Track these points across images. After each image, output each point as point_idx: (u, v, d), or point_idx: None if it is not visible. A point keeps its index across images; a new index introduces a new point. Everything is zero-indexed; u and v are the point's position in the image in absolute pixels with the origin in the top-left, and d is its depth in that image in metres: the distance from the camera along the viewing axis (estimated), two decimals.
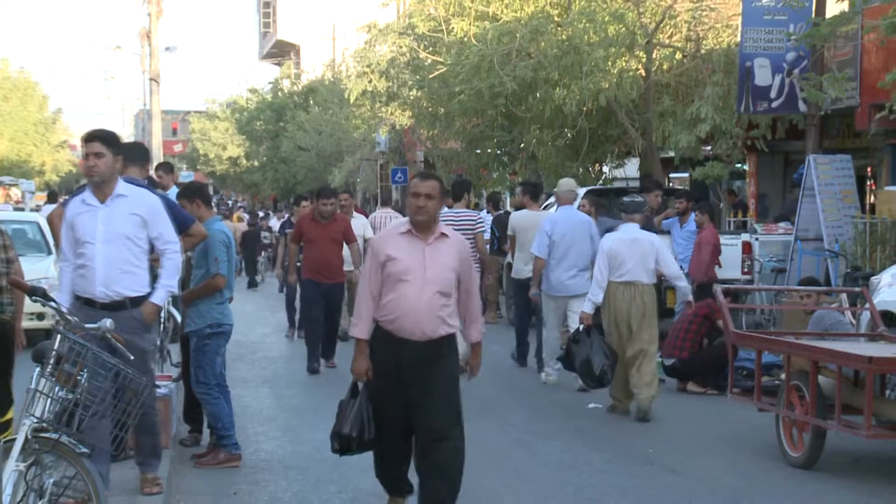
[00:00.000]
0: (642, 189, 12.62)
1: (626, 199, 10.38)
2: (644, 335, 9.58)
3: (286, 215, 22.68)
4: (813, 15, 13.87)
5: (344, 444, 6.12)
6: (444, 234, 6.04)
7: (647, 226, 11.74)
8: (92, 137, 6.39)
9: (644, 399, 9.45)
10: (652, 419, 9.46)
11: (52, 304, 5.48)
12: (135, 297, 6.29)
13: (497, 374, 11.64)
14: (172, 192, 12.54)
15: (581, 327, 9.68)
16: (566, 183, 11.54)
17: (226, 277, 7.74)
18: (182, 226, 7.51)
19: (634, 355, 9.55)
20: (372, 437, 6.02)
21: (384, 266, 5.91)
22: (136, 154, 7.79)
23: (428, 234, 5.97)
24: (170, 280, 6.51)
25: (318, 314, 12.16)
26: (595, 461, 8.06)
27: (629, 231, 9.81)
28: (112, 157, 6.30)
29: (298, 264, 13.32)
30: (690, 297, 10.51)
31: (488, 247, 15.02)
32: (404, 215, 12.59)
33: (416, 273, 5.88)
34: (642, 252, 9.64)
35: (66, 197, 15.76)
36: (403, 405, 5.98)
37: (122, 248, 6.28)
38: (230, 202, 51.38)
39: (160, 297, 6.43)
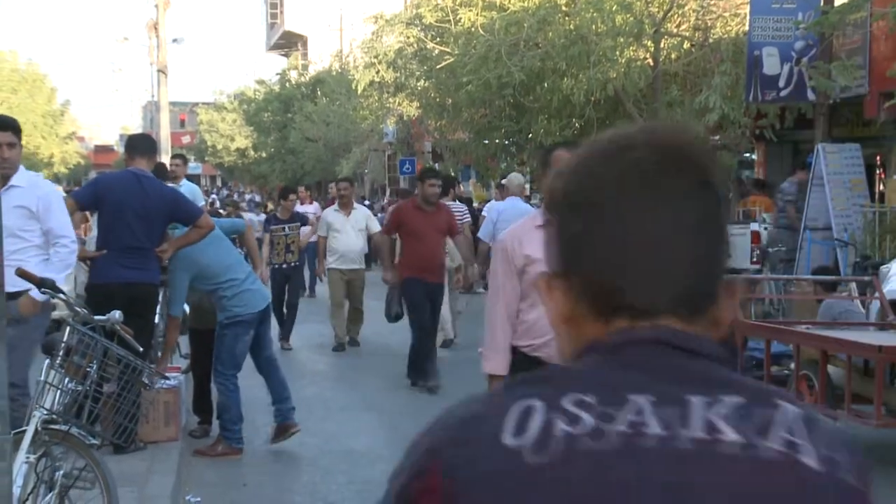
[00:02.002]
0: None
1: None
2: None
3: (267, 213, 21.34)
4: (821, 3, 13.81)
5: None
6: None
7: None
8: (5, 126, 6.07)
9: None
10: None
11: (62, 295, 5.49)
12: (13, 293, 5.63)
13: None
14: (185, 185, 12.67)
15: None
16: (515, 177, 13.47)
17: (178, 318, 7.98)
18: (190, 217, 7.54)
19: None
20: None
21: (523, 272, 4.49)
22: (144, 146, 7.80)
23: None
24: (56, 274, 5.86)
25: (431, 320, 10.61)
26: None
27: None
28: (20, 147, 6.13)
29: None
30: None
31: None
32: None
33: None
34: None
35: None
36: None
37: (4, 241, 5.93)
38: (237, 194, 51.34)
39: (38, 293, 5.74)
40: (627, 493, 1.12)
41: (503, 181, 18.29)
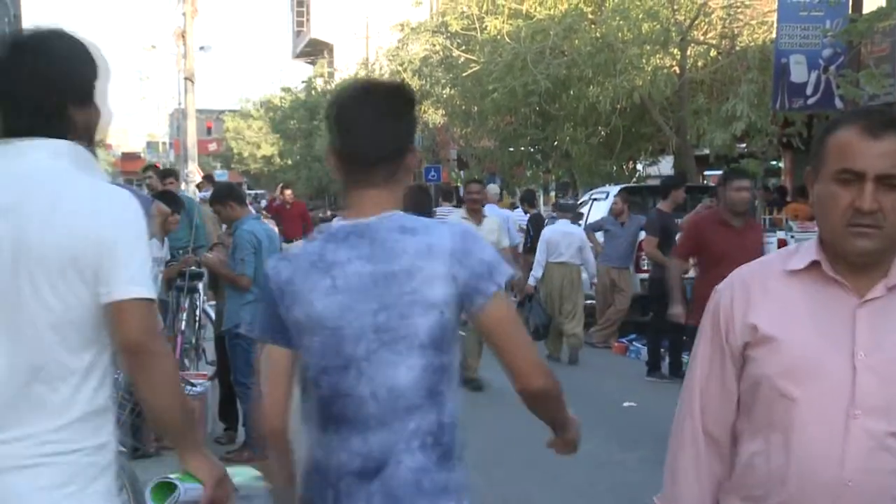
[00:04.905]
0: (674, 185, 12.48)
1: (560, 201, 14.95)
2: (573, 299, 12.53)
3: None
4: (850, 11, 13.74)
5: None
6: None
7: (669, 223, 11.65)
8: None
9: (573, 345, 12.46)
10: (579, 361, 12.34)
11: None
12: None
13: None
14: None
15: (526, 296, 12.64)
16: (491, 187, 15.15)
17: (251, 279, 7.76)
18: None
19: (567, 314, 12.48)
20: None
21: (744, 357, 2.32)
22: None
23: (870, 275, 2.24)
24: None
25: None
26: (629, 460, 8.04)
27: (563, 225, 12.84)
28: None
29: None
30: (595, 280, 13.51)
31: (521, 245, 15.12)
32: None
33: (828, 377, 2.21)
34: (572, 241, 12.58)
35: None
36: None
37: None
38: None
39: None
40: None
41: None
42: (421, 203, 8.24)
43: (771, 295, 2.29)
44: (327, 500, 2.54)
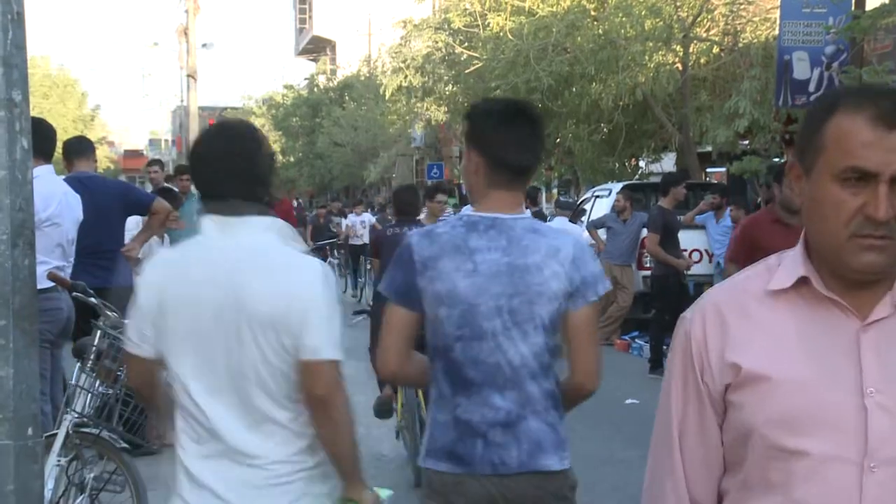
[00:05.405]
0: (674, 181, 12.46)
1: (560, 198, 15.67)
2: None
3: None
4: (853, 7, 13.73)
5: None
6: None
7: (671, 220, 11.63)
8: None
9: None
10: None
11: (93, 299, 5.51)
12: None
13: None
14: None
15: None
16: None
17: None
18: (143, 205, 7.41)
19: None
20: None
21: (726, 402, 1.84)
22: (79, 148, 7.63)
23: (872, 291, 1.77)
24: None
25: None
26: (632, 458, 8.03)
27: (560, 222, 13.45)
28: None
29: None
30: None
31: None
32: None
33: (834, 423, 1.73)
34: None
35: None
36: None
37: None
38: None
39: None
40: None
41: None
42: (410, 203, 8.51)
43: (752, 323, 1.82)
44: (477, 447, 3.02)
